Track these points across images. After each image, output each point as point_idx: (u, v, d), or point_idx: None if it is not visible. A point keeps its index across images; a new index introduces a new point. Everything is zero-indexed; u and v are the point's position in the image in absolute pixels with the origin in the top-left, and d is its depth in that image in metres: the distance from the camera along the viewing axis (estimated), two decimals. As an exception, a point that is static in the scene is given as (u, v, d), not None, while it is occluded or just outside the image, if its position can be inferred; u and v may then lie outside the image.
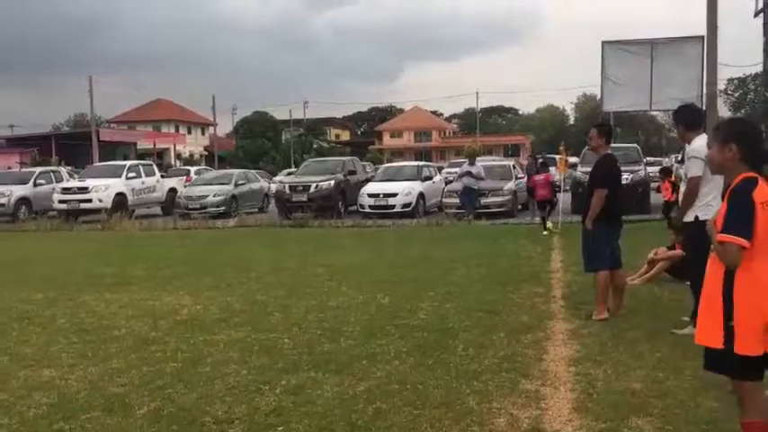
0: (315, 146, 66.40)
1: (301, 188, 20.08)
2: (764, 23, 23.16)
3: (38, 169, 24.72)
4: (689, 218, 5.63)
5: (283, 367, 5.04)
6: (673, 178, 14.36)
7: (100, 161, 31.83)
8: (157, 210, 23.77)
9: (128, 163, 24.30)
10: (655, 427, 3.83)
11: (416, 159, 45.56)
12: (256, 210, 23.08)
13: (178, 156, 57.10)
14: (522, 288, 7.85)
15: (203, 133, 74.25)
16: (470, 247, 11.88)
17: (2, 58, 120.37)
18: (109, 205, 20.49)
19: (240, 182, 23.16)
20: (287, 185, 20.92)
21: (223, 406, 4.29)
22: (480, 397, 4.33)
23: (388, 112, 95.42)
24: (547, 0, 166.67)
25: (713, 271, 3.01)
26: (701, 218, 5.30)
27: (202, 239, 15.01)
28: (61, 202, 20.91)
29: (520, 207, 19.05)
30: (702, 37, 17.35)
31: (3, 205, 21.09)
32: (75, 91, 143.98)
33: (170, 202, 23.10)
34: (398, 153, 76.84)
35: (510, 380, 4.64)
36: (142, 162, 26.19)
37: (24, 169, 26.92)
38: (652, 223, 14.25)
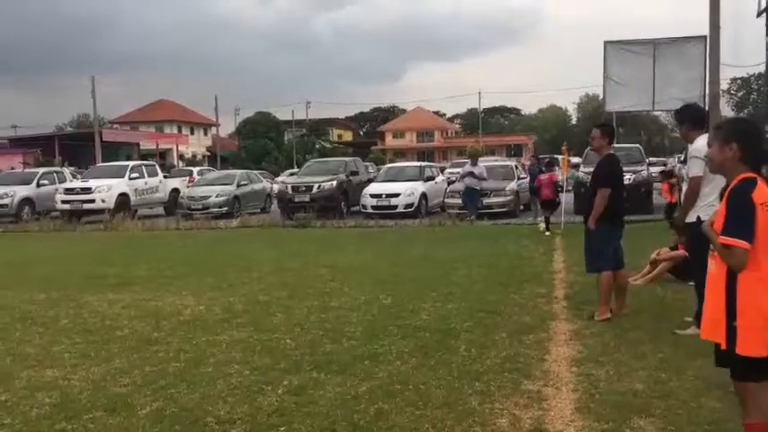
0: (317, 146, 66.43)
1: (304, 188, 20.09)
2: (767, 23, 23.08)
3: (41, 170, 24.79)
4: (691, 218, 5.62)
5: (285, 368, 5.04)
6: (673, 179, 14.35)
7: (103, 162, 31.86)
8: (160, 210, 23.81)
9: (131, 163, 24.33)
10: (657, 427, 3.82)
11: (419, 160, 45.55)
12: (259, 210, 23.09)
13: (181, 156, 57.10)
14: (525, 288, 7.84)
15: (206, 134, 74.28)
16: (472, 247, 11.88)
17: (5, 58, 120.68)
18: (112, 206, 20.51)
19: (243, 182, 23.18)
20: (289, 186, 20.93)
21: (225, 406, 4.30)
22: (482, 397, 4.33)
23: (390, 113, 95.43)
24: (549, 0, 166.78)
25: (715, 271, 3.01)
26: (702, 218, 5.29)
27: (205, 240, 15.02)
28: (64, 202, 20.93)
29: (522, 207, 19.04)
30: (705, 37, 17.30)
31: (6, 206, 21.14)
32: (77, 91, 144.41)
33: (173, 203, 23.12)
34: (401, 153, 76.85)
35: (512, 380, 4.64)
36: (145, 162, 26.23)
37: (27, 170, 26.99)
38: (654, 224, 14.23)
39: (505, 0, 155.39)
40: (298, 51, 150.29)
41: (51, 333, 6.35)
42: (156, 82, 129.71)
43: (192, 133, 71.50)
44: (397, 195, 19.28)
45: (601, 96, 22.94)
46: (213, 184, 22.87)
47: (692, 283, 6.25)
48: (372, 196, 19.56)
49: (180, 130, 69.02)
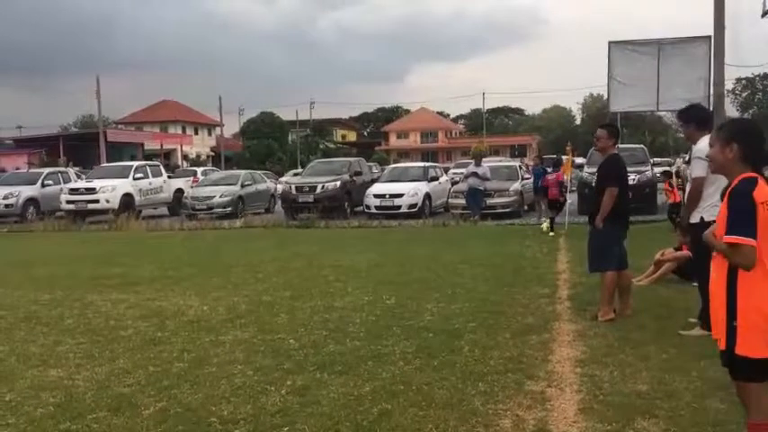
0: (321, 146, 66.51)
1: (307, 189, 20.11)
2: (772, 23, 23.00)
3: (46, 170, 24.86)
4: (694, 219, 5.61)
5: (289, 368, 5.05)
6: (673, 179, 14.38)
7: (107, 162, 31.93)
8: (164, 210, 23.86)
9: (135, 164, 24.38)
10: (661, 428, 3.81)
11: (423, 160, 45.56)
12: (263, 210, 23.12)
13: (185, 156, 57.21)
14: (528, 289, 7.83)
15: (210, 134, 74.38)
16: (476, 247, 11.87)
17: (10, 59, 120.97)
18: (116, 206, 20.57)
19: (247, 182, 23.21)
20: (293, 186, 20.96)
21: (229, 406, 4.31)
22: (486, 398, 4.32)
23: (394, 113, 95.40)
24: (553, 0, 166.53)
25: (717, 271, 3.00)
26: (706, 219, 5.29)
27: (209, 240, 15.04)
28: (69, 202, 20.99)
29: (526, 208, 19.02)
30: (709, 37, 17.27)
31: (11, 206, 21.22)
32: (82, 92, 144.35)
33: (177, 203, 23.19)
34: (405, 154, 76.89)
35: (515, 381, 4.64)
36: (149, 163, 26.29)
37: (32, 170, 27.05)
38: (658, 224, 14.22)
39: (509, 0, 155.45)
40: (302, 51, 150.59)
41: (56, 333, 6.37)
42: (161, 82, 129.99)
43: (197, 133, 71.59)
44: (400, 196, 19.28)
45: (605, 97, 22.85)
46: (217, 185, 22.90)
47: (695, 284, 6.24)
48: (376, 197, 19.56)
49: (184, 131, 69.14)
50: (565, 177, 15.07)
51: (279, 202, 22.76)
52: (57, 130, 60.90)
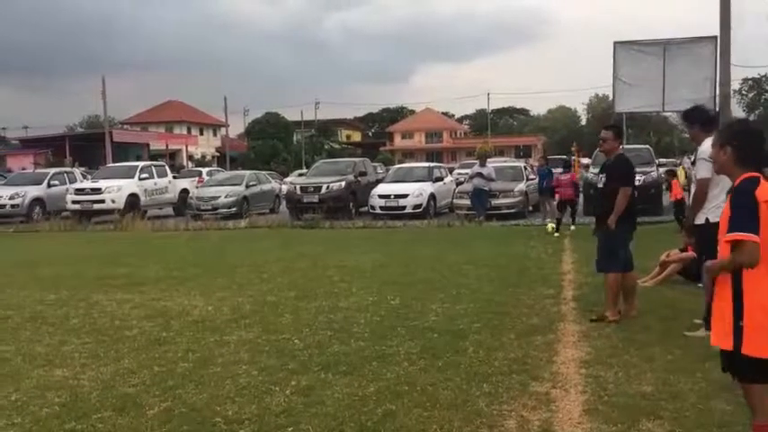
0: (326, 147, 66.53)
1: (312, 189, 20.12)
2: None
3: (52, 170, 24.93)
4: (699, 220, 5.60)
5: (293, 368, 5.05)
6: (681, 176, 14.43)
7: (113, 162, 32.02)
8: (169, 210, 23.89)
9: (140, 164, 24.43)
10: (666, 430, 3.81)
11: (427, 160, 45.55)
12: (267, 211, 23.14)
13: (190, 157, 57.29)
14: (533, 290, 7.83)
15: (215, 134, 74.50)
16: (481, 248, 11.86)
17: (16, 60, 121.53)
18: (121, 206, 20.61)
19: (251, 183, 23.24)
20: (298, 186, 20.97)
21: (233, 406, 4.31)
22: (490, 399, 4.32)
23: (399, 113, 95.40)
24: (558, 0, 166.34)
25: (721, 275, 3.00)
26: (711, 220, 5.27)
27: (214, 240, 15.07)
28: (74, 202, 21.05)
29: (531, 208, 18.99)
30: (715, 37, 17.21)
31: (17, 206, 21.29)
32: (88, 92, 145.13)
33: (182, 203, 23.21)
34: (409, 154, 76.85)
35: (520, 382, 4.63)
36: (154, 163, 26.33)
37: (38, 170, 27.15)
38: (664, 225, 14.19)
39: (515, 1, 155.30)
40: (307, 52, 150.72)
41: (61, 333, 6.39)
42: (165, 83, 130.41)
43: (202, 134, 71.72)
44: (405, 196, 19.27)
45: (610, 97, 22.83)
46: (222, 185, 22.94)
47: (701, 285, 6.23)
48: (381, 197, 19.56)
49: (189, 131, 69.26)
50: (577, 177, 15.06)
51: (284, 203, 22.77)
52: (63, 130, 61.10)
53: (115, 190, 21.01)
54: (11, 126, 77.41)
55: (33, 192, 21.82)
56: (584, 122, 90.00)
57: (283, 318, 6.74)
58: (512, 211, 18.15)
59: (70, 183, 22.64)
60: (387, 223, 17.60)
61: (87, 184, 21.89)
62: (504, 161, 29.01)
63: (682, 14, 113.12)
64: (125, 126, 64.93)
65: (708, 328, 5.31)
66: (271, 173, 31.60)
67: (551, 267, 9.58)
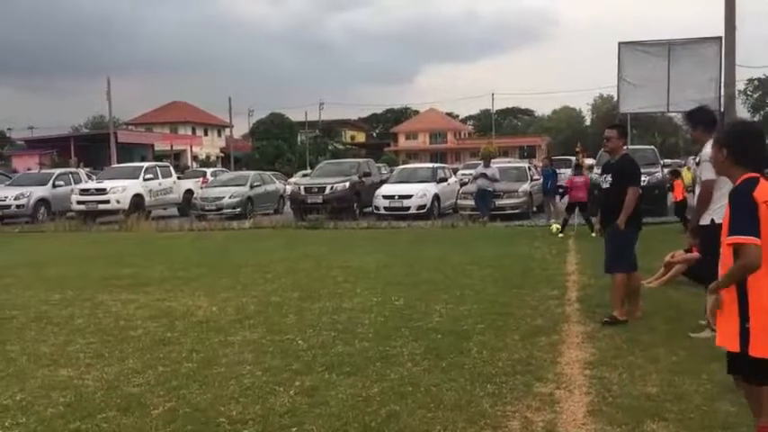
0: (330, 147, 66.63)
1: (316, 190, 20.15)
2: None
3: (57, 170, 24.99)
4: (704, 221, 5.59)
5: (297, 369, 5.06)
6: (685, 175, 14.46)
7: (118, 162, 32.10)
8: (174, 211, 23.95)
9: (145, 164, 24.48)
10: (670, 431, 3.80)
11: (432, 161, 45.53)
12: (272, 211, 23.17)
13: (195, 157, 57.44)
14: (537, 290, 7.82)
15: (219, 135, 74.64)
16: (485, 249, 11.85)
17: (21, 61, 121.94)
18: (126, 206, 20.66)
19: (256, 183, 23.26)
20: (302, 187, 21.00)
21: (237, 406, 4.32)
22: (494, 400, 4.32)
23: (403, 114, 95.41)
24: (563, 1, 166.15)
25: (726, 270, 2.99)
26: (716, 221, 5.26)
27: (218, 241, 15.09)
28: (79, 203, 21.11)
29: (535, 209, 18.97)
30: (720, 38, 17.19)
31: (22, 206, 21.35)
32: (93, 93, 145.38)
33: (186, 204, 23.28)
34: (414, 155, 76.81)
35: (524, 383, 4.63)
36: (159, 164, 26.38)
37: (44, 170, 27.22)
38: (668, 225, 14.17)
39: (519, 1, 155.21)
40: (311, 53, 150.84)
41: (66, 333, 6.41)
42: (170, 84, 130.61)
43: (206, 134, 71.86)
44: (409, 197, 19.28)
45: (615, 97, 22.79)
46: (227, 186, 22.97)
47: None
48: (385, 197, 19.57)
49: (194, 132, 69.42)
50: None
51: (288, 203, 22.80)
52: (68, 130, 61.32)
53: (120, 190, 21.07)
54: (16, 126, 77.69)
55: (38, 192, 21.88)
56: (588, 123, 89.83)
57: (287, 318, 6.75)
58: (516, 211, 18.13)
59: (75, 183, 22.70)
60: (391, 224, 17.61)
61: (92, 185, 21.95)
62: (509, 162, 28.98)
63: (686, 15, 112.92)
64: (130, 127, 65.07)
65: (713, 328, 5.32)
66: (275, 173, 31.62)
67: (555, 268, 9.56)
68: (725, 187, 5.23)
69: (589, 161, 23.65)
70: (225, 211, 21.15)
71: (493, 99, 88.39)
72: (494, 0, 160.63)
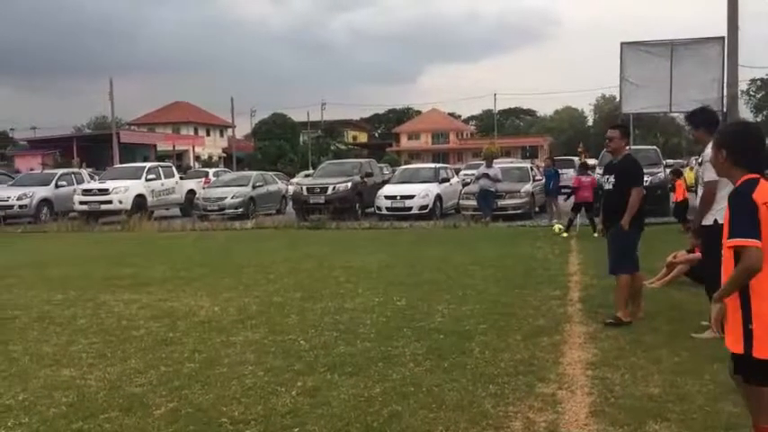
0: (332, 148, 66.63)
1: (318, 190, 20.15)
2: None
3: (59, 171, 25.03)
4: (708, 221, 5.58)
5: (299, 369, 5.06)
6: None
7: (120, 163, 32.14)
8: (176, 211, 23.96)
9: (147, 165, 24.50)
10: (673, 432, 3.80)
11: (434, 161, 45.52)
12: (274, 211, 23.17)
13: (197, 157, 57.49)
14: (539, 291, 7.81)
15: (222, 135, 74.70)
16: (487, 249, 11.85)
17: (24, 61, 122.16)
18: (128, 206, 20.69)
19: (258, 184, 23.28)
20: (304, 187, 21.01)
21: (240, 407, 4.32)
22: (496, 400, 4.32)
23: (405, 114, 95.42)
24: (565, 1, 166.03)
25: (727, 273, 2.97)
26: (719, 221, 5.25)
27: (220, 241, 15.10)
28: (82, 203, 21.14)
29: (537, 209, 18.95)
30: (723, 38, 17.15)
31: (25, 206, 21.38)
32: (95, 94, 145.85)
33: (189, 204, 23.28)
34: (416, 155, 76.85)
35: (526, 383, 4.62)
36: (161, 164, 26.41)
37: (46, 171, 27.26)
38: (670, 226, 14.15)
39: (521, 1, 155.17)
40: (313, 53, 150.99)
41: (68, 333, 6.42)
42: (172, 84, 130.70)
43: (208, 135, 71.92)
44: (411, 197, 19.27)
45: (617, 98, 22.75)
46: (229, 186, 22.99)
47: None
48: (387, 198, 19.56)
49: (196, 132, 69.50)
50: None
51: (290, 204, 22.81)
52: (70, 131, 61.42)
53: (122, 191, 21.10)
54: (19, 127, 77.84)
55: (41, 192, 21.91)
56: (590, 123, 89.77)
57: (289, 318, 6.75)
58: (518, 211, 18.12)
59: (78, 183, 22.72)
60: (393, 224, 17.60)
61: (95, 185, 21.98)
62: (511, 162, 28.97)
63: (688, 15, 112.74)
64: (132, 127, 65.16)
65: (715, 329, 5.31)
66: (277, 173, 31.63)
67: (558, 268, 9.56)
68: (728, 188, 5.23)
69: (591, 161, 23.62)
70: (227, 211, 21.17)
71: (495, 99, 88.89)
72: (495, 0, 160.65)
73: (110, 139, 39.08)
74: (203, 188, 24.35)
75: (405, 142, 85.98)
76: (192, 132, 67.93)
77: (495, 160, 20.97)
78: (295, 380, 4.80)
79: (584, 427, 3.89)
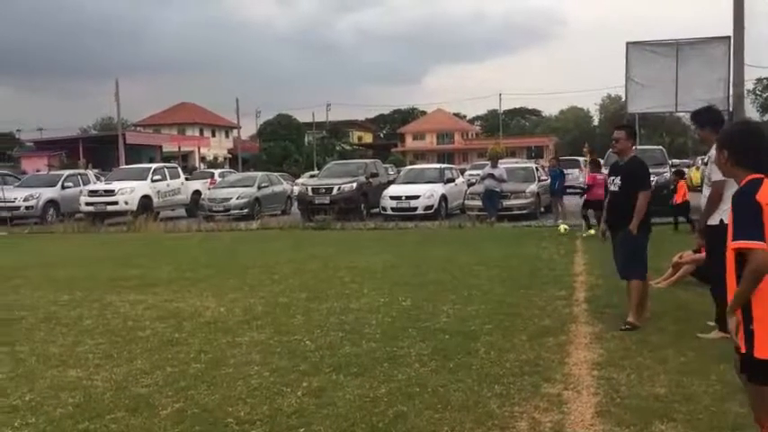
0: (337, 148, 66.66)
1: (324, 190, 20.17)
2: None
3: (66, 172, 25.13)
4: (714, 221, 5.57)
5: (305, 369, 5.07)
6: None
7: (126, 164, 32.23)
8: (182, 212, 24.03)
9: (153, 166, 24.59)
10: (679, 432, 3.79)
11: (439, 161, 45.50)
12: (279, 212, 23.21)
13: (202, 158, 57.63)
14: (545, 291, 7.80)
15: (227, 136, 74.86)
16: (492, 249, 11.84)
17: (30, 62, 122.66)
18: (134, 207, 20.76)
19: (263, 184, 23.32)
20: (309, 188, 21.04)
21: (245, 407, 4.33)
22: (502, 400, 4.31)
23: (410, 115, 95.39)
24: (570, 1, 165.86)
25: (731, 276, 2.96)
26: (725, 221, 5.23)
27: (226, 241, 15.13)
28: (88, 204, 21.22)
29: (542, 209, 18.93)
30: (729, 37, 17.11)
31: (32, 207, 21.48)
32: (101, 95, 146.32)
33: (194, 205, 23.34)
34: (421, 155, 76.79)
35: (532, 383, 4.62)
36: (167, 165, 26.47)
37: (52, 172, 27.36)
38: (670, 226, 14.12)
39: (527, 1, 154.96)
40: (318, 54, 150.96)
41: (75, 333, 6.44)
42: (177, 84, 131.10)
43: (214, 135, 72.06)
44: (416, 197, 19.28)
45: (623, 98, 22.71)
46: (234, 186, 23.03)
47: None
48: (392, 198, 19.58)
49: (202, 133, 69.62)
50: (581, 179, 14.95)
51: (295, 204, 22.83)
52: (76, 132, 61.54)
53: (128, 192, 21.16)
54: (25, 128, 78.07)
55: (47, 193, 22.00)
56: (596, 123, 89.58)
57: (295, 319, 6.76)
58: (523, 212, 18.10)
59: (84, 184, 22.81)
60: (398, 224, 17.60)
61: (101, 186, 22.06)
62: (516, 162, 28.93)
63: (693, 15, 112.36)
64: (138, 128, 65.29)
65: (722, 329, 5.29)
66: (282, 174, 31.68)
67: (563, 269, 9.54)
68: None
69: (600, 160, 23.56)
70: (232, 211, 21.22)
71: (500, 99, 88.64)
72: (501, 0, 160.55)
73: (116, 141, 39.18)
74: (209, 189, 24.42)
75: (410, 142, 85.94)
76: (197, 133, 68.07)
77: (500, 160, 20.95)
78: (300, 380, 4.81)
79: (590, 428, 3.88)
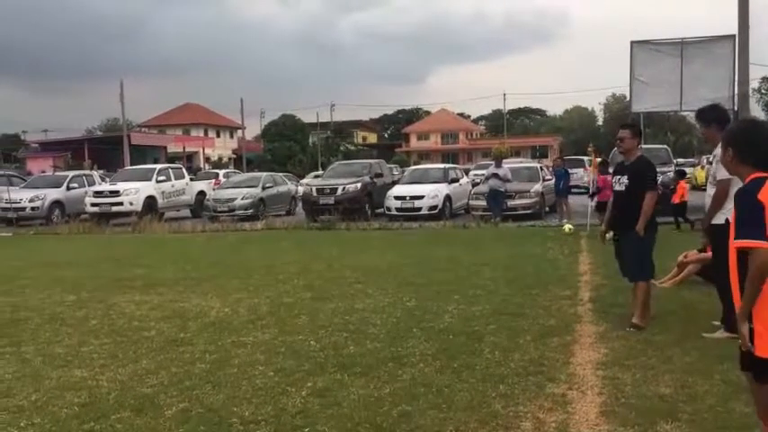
0: (342, 148, 66.72)
1: (328, 191, 20.19)
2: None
3: (71, 173, 25.19)
4: (719, 220, 5.55)
5: (309, 369, 5.07)
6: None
7: (131, 165, 32.31)
8: (186, 212, 24.07)
9: (158, 166, 24.64)
10: (684, 432, 3.78)
11: (443, 161, 45.50)
12: (284, 212, 23.24)
13: (207, 159, 57.73)
14: (549, 291, 7.79)
15: (232, 136, 74.94)
16: (497, 249, 11.83)
17: (36, 64, 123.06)
18: (139, 208, 20.83)
19: (268, 185, 23.35)
20: (314, 188, 21.06)
21: (250, 407, 4.34)
22: (506, 400, 4.31)
23: (414, 115, 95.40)
24: (575, 1, 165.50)
25: (733, 275, 2.96)
26: (730, 220, 5.21)
27: (230, 242, 15.16)
28: (93, 205, 21.28)
29: (547, 209, 18.90)
30: (734, 36, 17.04)
31: (37, 208, 21.55)
32: (106, 96, 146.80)
33: (199, 205, 23.39)
34: (425, 155, 76.80)
35: (536, 383, 4.61)
36: (172, 165, 26.55)
37: (58, 173, 27.44)
38: (681, 225, 14.10)
39: (531, 1, 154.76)
40: (322, 54, 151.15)
41: (80, 334, 6.46)
42: (181, 85, 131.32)
43: (218, 136, 72.17)
44: (421, 197, 19.28)
45: (627, 97, 22.65)
46: (239, 187, 23.08)
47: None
48: (397, 198, 19.58)
49: (206, 133, 69.74)
50: (585, 178, 14.92)
51: (300, 204, 22.86)
52: (82, 133, 61.73)
53: (133, 192, 21.22)
54: (30, 129, 78.33)
55: (53, 194, 22.07)
56: (600, 122, 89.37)
57: (299, 319, 6.77)
58: (528, 212, 18.09)
59: (89, 185, 22.88)
60: (402, 225, 17.60)
61: (106, 187, 22.13)
62: (520, 162, 28.91)
63: (698, 14, 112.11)
64: (143, 129, 65.50)
65: (727, 329, 5.28)
66: (287, 174, 31.70)
67: (568, 268, 9.53)
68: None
69: (598, 161, 23.52)
70: (237, 212, 21.26)
71: (504, 99, 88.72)
72: (504, 0, 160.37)
73: (121, 141, 39.25)
74: (213, 189, 24.44)
75: (414, 143, 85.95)
76: (202, 134, 68.19)
77: (504, 160, 20.93)
78: (305, 380, 4.82)
79: (595, 428, 3.88)
